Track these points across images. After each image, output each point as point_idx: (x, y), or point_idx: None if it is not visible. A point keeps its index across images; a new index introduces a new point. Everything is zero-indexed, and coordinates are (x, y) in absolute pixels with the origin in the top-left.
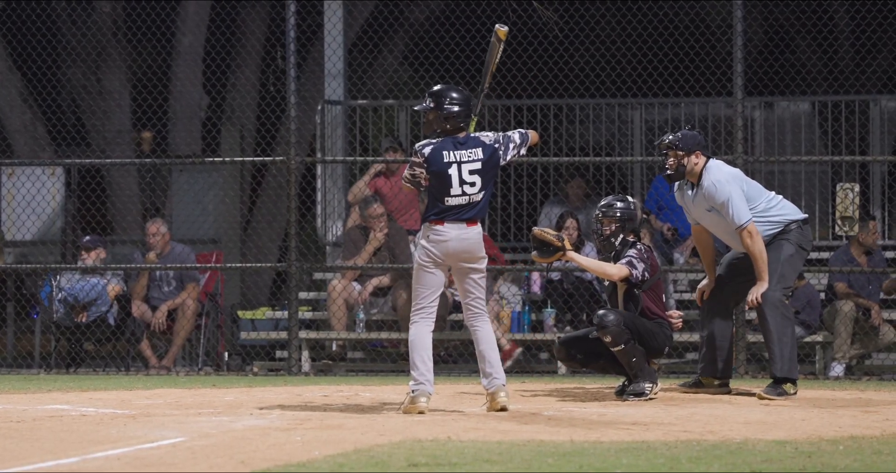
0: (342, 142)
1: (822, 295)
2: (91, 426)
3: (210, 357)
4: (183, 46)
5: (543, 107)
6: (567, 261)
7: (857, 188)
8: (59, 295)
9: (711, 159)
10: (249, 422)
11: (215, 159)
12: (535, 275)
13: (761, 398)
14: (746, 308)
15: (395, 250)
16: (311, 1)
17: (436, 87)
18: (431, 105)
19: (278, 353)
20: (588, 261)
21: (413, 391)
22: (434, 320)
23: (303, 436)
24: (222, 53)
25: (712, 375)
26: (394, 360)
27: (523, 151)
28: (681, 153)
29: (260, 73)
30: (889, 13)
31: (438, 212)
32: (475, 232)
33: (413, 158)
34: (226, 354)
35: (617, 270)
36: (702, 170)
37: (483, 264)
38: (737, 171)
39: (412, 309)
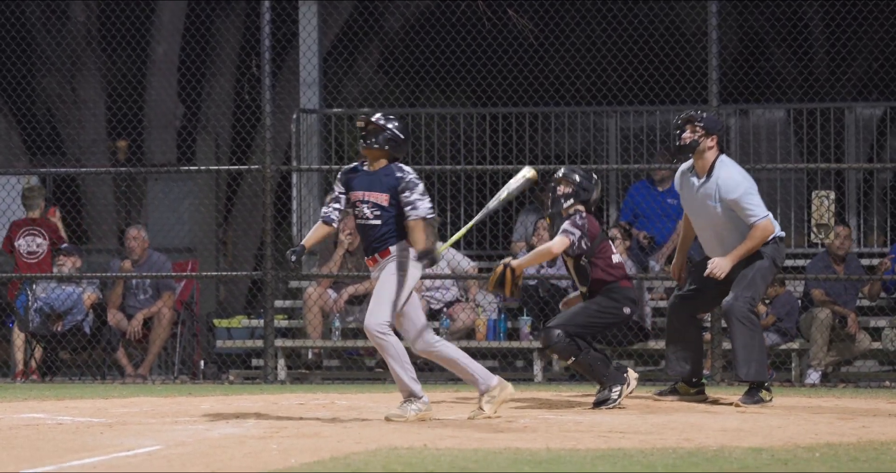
0: (318, 151)
1: (799, 303)
2: (67, 434)
3: (186, 365)
4: (158, 55)
5: (519, 115)
6: (520, 273)
7: (832, 195)
8: (35, 304)
9: (724, 154)
10: (225, 430)
11: (191, 168)
12: None
13: (738, 406)
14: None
15: None
16: (287, 9)
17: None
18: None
19: (254, 361)
20: (530, 255)
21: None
22: None
23: (279, 444)
24: (197, 62)
25: (680, 373)
26: (370, 368)
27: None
28: (700, 130)
29: (235, 81)
30: (864, 21)
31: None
32: None
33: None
34: (202, 362)
35: (557, 243)
36: (714, 162)
37: None
38: (746, 172)
39: (387, 319)
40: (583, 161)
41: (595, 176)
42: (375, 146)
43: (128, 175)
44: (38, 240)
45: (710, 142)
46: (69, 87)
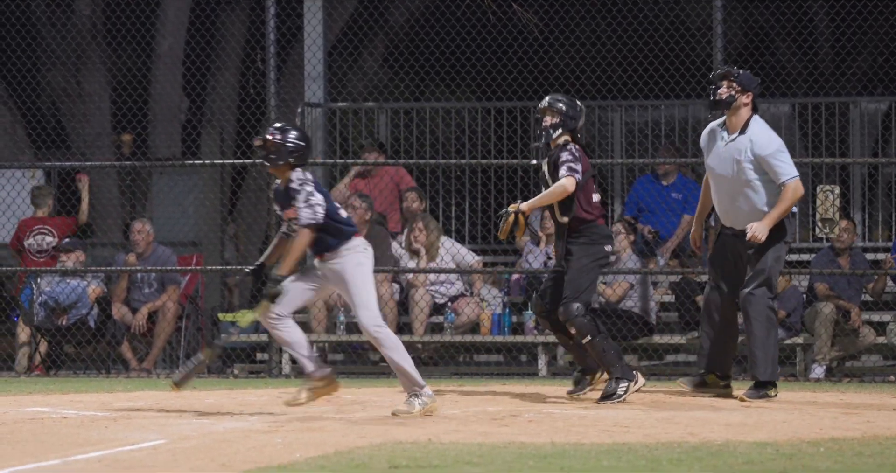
0: (322, 145)
1: (804, 297)
2: (72, 428)
3: (191, 359)
4: (163, 49)
5: (524, 109)
6: (527, 214)
7: (837, 190)
8: (40, 297)
9: (757, 114)
10: (230, 424)
11: (195, 162)
12: (515, 277)
13: (743, 400)
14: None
15: (375, 252)
16: (291, 3)
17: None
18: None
19: (259, 355)
20: (541, 196)
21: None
22: None
23: (283, 438)
24: (202, 56)
25: (718, 370)
26: (374, 363)
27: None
28: (736, 86)
29: (240, 75)
30: (869, 15)
31: (350, 223)
32: None
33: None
34: None
35: (566, 183)
36: (748, 120)
37: None
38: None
39: (377, 315)
40: (587, 155)
41: (579, 102)
42: (280, 163)
43: (132, 169)
44: (48, 239)
45: (746, 98)
46: (74, 81)
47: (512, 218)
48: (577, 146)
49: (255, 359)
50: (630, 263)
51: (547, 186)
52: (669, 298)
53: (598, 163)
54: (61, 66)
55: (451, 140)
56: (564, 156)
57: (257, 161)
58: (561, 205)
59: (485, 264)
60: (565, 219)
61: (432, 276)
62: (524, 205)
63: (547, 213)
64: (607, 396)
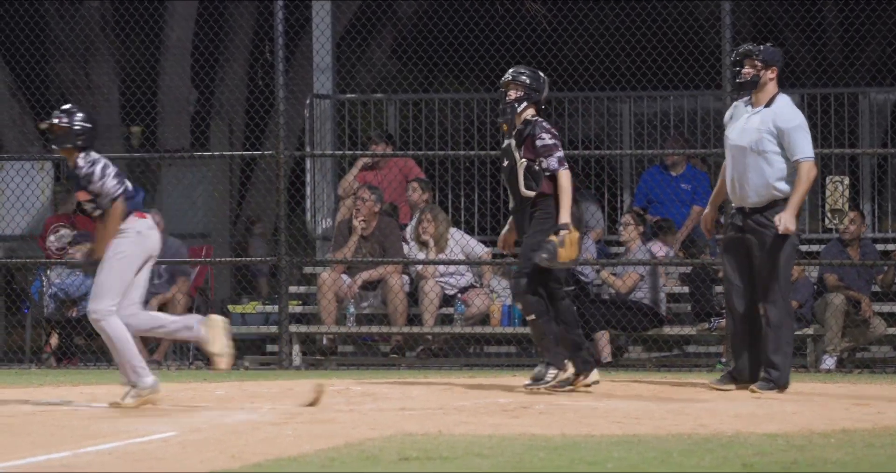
0: (331, 136)
1: (814, 288)
2: (82, 420)
3: (201, 351)
4: (171, 41)
5: None
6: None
7: (846, 181)
8: (50, 289)
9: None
10: (240, 417)
11: (204, 153)
12: None
13: (754, 391)
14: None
15: (384, 244)
16: None
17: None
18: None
19: (269, 347)
20: (564, 204)
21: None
22: None
23: (294, 430)
24: (211, 48)
25: (750, 380)
26: (384, 354)
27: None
28: (759, 64)
29: (248, 67)
30: (878, 5)
31: (137, 202)
32: None
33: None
34: None
35: (563, 173)
36: (775, 96)
37: None
38: None
39: (107, 306)
40: (596, 146)
41: (542, 74)
42: (68, 145)
43: (142, 161)
44: (63, 232)
45: (771, 74)
46: (83, 73)
47: (576, 236)
48: (543, 121)
49: (265, 351)
50: (640, 254)
51: (511, 159)
52: (679, 289)
53: (608, 155)
54: (70, 57)
55: (459, 131)
56: (544, 138)
57: (266, 153)
58: (527, 179)
59: (494, 255)
60: (531, 194)
61: (441, 268)
62: (563, 223)
63: None
64: (536, 380)
